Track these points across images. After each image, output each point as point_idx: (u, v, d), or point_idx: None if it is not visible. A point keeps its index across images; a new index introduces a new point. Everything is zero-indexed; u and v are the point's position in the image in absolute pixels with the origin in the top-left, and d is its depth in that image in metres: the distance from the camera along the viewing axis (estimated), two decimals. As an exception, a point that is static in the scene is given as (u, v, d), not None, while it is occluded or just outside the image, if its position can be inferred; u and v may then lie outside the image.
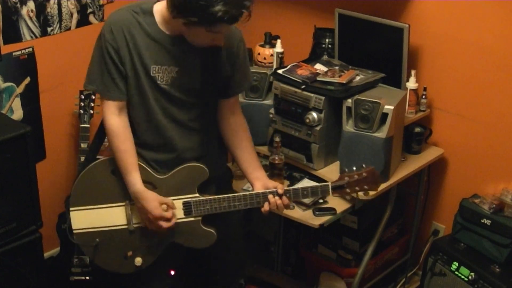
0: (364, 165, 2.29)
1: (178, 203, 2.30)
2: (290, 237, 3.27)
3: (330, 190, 2.29)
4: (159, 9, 2.15)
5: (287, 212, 2.70)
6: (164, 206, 2.26)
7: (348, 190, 2.29)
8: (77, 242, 2.42)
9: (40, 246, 2.73)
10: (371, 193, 2.39)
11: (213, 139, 2.39)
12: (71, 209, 2.38)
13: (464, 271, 2.77)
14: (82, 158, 2.98)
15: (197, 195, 2.30)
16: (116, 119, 2.24)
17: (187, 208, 2.30)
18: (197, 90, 2.25)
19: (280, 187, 2.29)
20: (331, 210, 2.70)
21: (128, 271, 2.40)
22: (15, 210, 2.58)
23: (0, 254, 2.56)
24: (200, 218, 2.31)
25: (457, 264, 2.81)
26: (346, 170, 2.29)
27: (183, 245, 2.35)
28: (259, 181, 2.34)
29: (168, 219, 2.26)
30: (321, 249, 3.19)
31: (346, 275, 3.05)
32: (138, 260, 2.36)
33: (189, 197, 2.30)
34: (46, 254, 3.05)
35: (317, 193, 2.34)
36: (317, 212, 2.68)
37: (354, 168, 2.29)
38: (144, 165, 2.30)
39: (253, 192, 2.29)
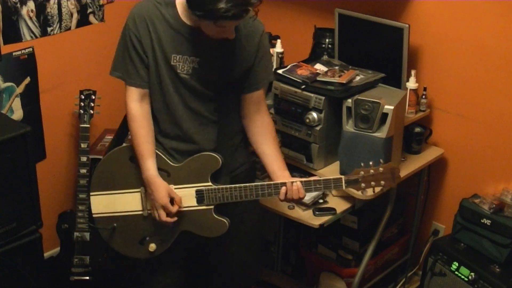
0: (382, 161, 2.28)
1: (191, 191, 2.31)
2: (290, 237, 3.27)
3: (344, 184, 2.26)
4: (181, 1, 2.19)
5: (287, 212, 2.71)
6: (178, 199, 2.28)
7: (363, 185, 2.25)
8: (96, 226, 2.48)
9: (40, 246, 2.73)
10: (377, 189, 2.36)
11: (233, 134, 2.39)
12: (91, 193, 2.45)
13: (464, 271, 2.77)
14: (82, 158, 2.98)
15: (210, 183, 2.31)
16: (137, 105, 2.29)
17: (200, 196, 2.31)
18: (216, 82, 2.27)
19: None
20: (331, 210, 2.70)
21: (142, 256, 2.42)
22: (15, 210, 2.58)
23: (0, 254, 2.56)
24: (212, 206, 2.32)
25: (457, 264, 2.81)
26: (362, 164, 2.26)
27: (195, 233, 2.35)
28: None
29: (170, 213, 2.27)
30: (321, 249, 3.19)
31: (346, 275, 3.05)
32: (152, 246, 2.38)
33: (202, 186, 2.31)
34: (46, 254, 3.05)
35: (329, 186, 2.29)
36: (317, 212, 2.68)
37: (371, 163, 2.26)
38: (160, 153, 2.33)
39: (265, 182, 2.29)
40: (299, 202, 2.41)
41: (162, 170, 2.32)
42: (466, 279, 2.76)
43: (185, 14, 2.19)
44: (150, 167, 2.28)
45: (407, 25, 2.82)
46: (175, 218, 2.30)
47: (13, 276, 2.63)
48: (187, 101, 2.27)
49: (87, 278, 3.02)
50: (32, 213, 2.65)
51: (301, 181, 2.27)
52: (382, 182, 2.26)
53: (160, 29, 2.21)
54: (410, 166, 2.94)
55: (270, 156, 2.37)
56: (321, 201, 2.75)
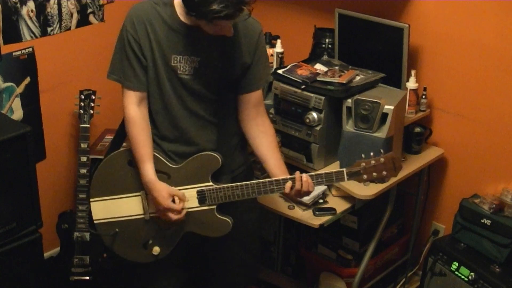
0: (382, 151, 2.27)
1: (192, 191, 2.31)
2: (290, 237, 3.27)
3: (346, 176, 2.24)
4: (179, 1, 2.18)
5: (287, 212, 2.71)
6: (176, 198, 2.27)
7: (365, 176, 2.23)
8: (98, 232, 2.47)
9: (40, 246, 2.73)
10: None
11: (231, 135, 2.38)
12: (91, 200, 2.44)
13: (464, 271, 2.77)
14: (82, 158, 2.98)
15: (211, 183, 2.30)
16: (135, 109, 2.27)
17: (201, 196, 2.30)
18: (217, 82, 2.26)
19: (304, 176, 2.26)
20: (331, 210, 2.70)
21: (146, 260, 2.41)
22: (15, 210, 2.58)
23: (0, 254, 2.56)
24: (214, 206, 2.31)
25: (457, 264, 2.81)
26: (363, 156, 2.24)
27: (199, 234, 2.35)
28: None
29: (178, 211, 2.27)
30: (321, 249, 3.19)
31: (346, 275, 3.05)
32: (156, 250, 2.38)
33: (203, 186, 2.30)
34: (46, 254, 3.05)
35: (331, 179, 2.27)
36: (317, 212, 2.68)
37: (372, 154, 2.24)
38: (158, 155, 2.32)
39: (266, 180, 2.27)
40: (303, 197, 2.36)
41: (162, 172, 2.31)
42: (466, 279, 2.76)
43: (184, 14, 2.18)
44: (148, 171, 2.27)
45: (407, 25, 2.82)
46: (183, 214, 2.28)
47: (13, 276, 2.63)
48: (186, 102, 2.26)
49: (87, 278, 3.02)
50: (32, 213, 2.65)
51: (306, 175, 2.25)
52: (384, 173, 2.23)
53: (159, 30, 2.20)
54: (410, 166, 2.94)
55: (271, 160, 2.36)
56: (321, 201, 2.75)
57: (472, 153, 3.03)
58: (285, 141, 2.91)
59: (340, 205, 2.75)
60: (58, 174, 3.32)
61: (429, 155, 3.04)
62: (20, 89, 3.04)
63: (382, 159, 2.22)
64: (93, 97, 3.05)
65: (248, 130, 2.39)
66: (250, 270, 2.66)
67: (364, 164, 2.23)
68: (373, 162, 2.22)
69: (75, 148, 3.30)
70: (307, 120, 2.79)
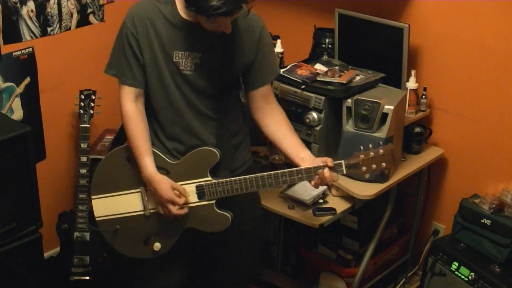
0: (381, 143, 2.26)
1: (191, 187, 2.32)
2: (290, 237, 3.27)
3: (344, 168, 2.24)
4: None
5: (287, 212, 2.71)
6: (178, 193, 2.28)
7: (364, 168, 2.23)
8: (99, 229, 2.48)
9: (40, 246, 2.73)
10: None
11: (232, 134, 2.38)
12: (92, 197, 2.45)
13: (464, 271, 2.77)
14: (82, 158, 2.98)
15: (210, 178, 2.30)
16: (132, 105, 2.30)
17: (200, 191, 2.31)
18: (219, 78, 2.27)
19: (330, 161, 2.25)
20: (331, 210, 2.70)
21: (147, 256, 2.42)
22: (15, 210, 2.58)
23: (0, 254, 2.56)
24: (214, 201, 2.32)
25: (457, 264, 2.81)
26: (362, 148, 2.24)
27: (199, 229, 2.35)
28: (305, 162, 2.29)
29: (178, 205, 2.27)
30: (321, 249, 3.19)
31: (346, 275, 3.05)
32: (157, 246, 2.38)
33: (202, 181, 2.31)
34: (46, 254, 3.05)
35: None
36: (317, 212, 2.68)
37: (370, 146, 2.23)
38: (158, 152, 2.33)
39: (265, 173, 2.27)
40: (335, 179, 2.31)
41: (161, 168, 2.32)
42: (466, 279, 2.76)
43: (184, 10, 2.19)
44: (148, 165, 2.28)
45: (407, 25, 2.82)
46: (186, 209, 2.29)
47: (13, 276, 2.63)
48: (190, 98, 2.27)
49: (87, 278, 3.02)
50: (32, 213, 2.65)
51: (304, 168, 2.25)
52: (384, 164, 2.22)
53: (161, 27, 2.21)
54: (410, 166, 2.94)
55: (286, 142, 2.35)
56: (321, 201, 2.75)
57: (472, 153, 3.03)
58: (285, 141, 2.91)
59: (340, 205, 2.75)
60: (58, 174, 3.32)
61: (429, 155, 3.04)
62: (20, 89, 3.03)
63: (381, 151, 2.22)
64: (93, 97, 3.05)
65: (260, 121, 2.39)
66: (252, 267, 2.66)
67: (362, 156, 2.23)
68: (372, 154, 2.22)
69: (75, 148, 3.30)
70: (307, 120, 2.80)
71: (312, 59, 3.12)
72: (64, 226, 3.07)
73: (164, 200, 2.27)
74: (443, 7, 2.93)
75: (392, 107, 2.65)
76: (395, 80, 2.91)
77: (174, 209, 2.28)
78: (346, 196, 2.77)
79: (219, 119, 2.33)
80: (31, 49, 3.01)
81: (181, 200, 2.27)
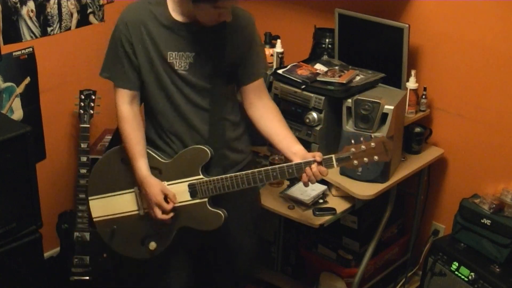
0: (372, 136, 2.25)
1: (183, 185, 2.32)
2: (290, 237, 3.27)
3: (335, 162, 2.21)
4: None
5: (287, 212, 2.71)
6: (167, 199, 2.29)
7: (355, 162, 2.20)
8: (97, 230, 2.51)
9: (40, 246, 2.73)
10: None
11: (229, 126, 2.39)
12: (89, 198, 2.48)
13: (464, 271, 2.77)
14: (82, 158, 2.98)
15: (201, 176, 2.31)
16: (127, 107, 2.32)
17: (193, 190, 2.32)
18: (214, 75, 2.29)
19: (318, 155, 2.22)
20: (331, 210, 2.70)
21: (144, 256, 2.43)
22: (15, 210, 2.58)
23: (0, 254, 2.56)
24: (206, 199, 2.32)
25: (457, 264, 2.81)
26: (353, 141, 2.22)
27: (193, 228, 2.36)
28: (297, 157, 2.27)
29: (165, 210, 2.28)
30: (321, 249, 3.19)
31: (346, 275, 3.04)
32: (152, 245, 2.40)
33: (194, 179, 2.31)
34: (46, 254, 3.05)
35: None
36: (317, 212, 2.68)
37: (362, 139, 2.20)
38: (150, 151, 2.35)
39: (255, 170, 2.27)
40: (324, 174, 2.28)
41: (154, 168, 2.34)
42: (466, 279, 2.76)
43: (176, 11, 2.22)
44: (141, 167, 2.30)
45: (407, 25, 2.82)
46: (171, 215, 2.31)
47: (13, 276, 2.63)
48: (189, 96, 2.29)
49: (87, 278, 3.02)
50: (32, 213, 2.65)
51: (295, 164, 2.22)
52: (376, 157, 2.20)
53: (154, 29, 2.23)
54: (410, 166, 2.94)
55: (278, 135, 2.35)
56: (321, 201, 2.75)
57: (472, 153, 3.03)
58: (285, 141, 2.90)
59: (340, 205, 2.75)
60: (58, 174, 3.32)
61: (429, 155, 3.04)
62: (20, 89, 3.03)
63: (372, 144, 2.19)
64: (93, 97, 3.05)
65: (252, 115, 2.40)
66: (252, 264, 2.68)
67: (353, 149, 2.20)
68: (363, 147, 2.19)
69: (75, 148, 3.30)
70: (307, 120, 2.80)
71: (312, 59, 3.12)
72: (64, 226, 3.07)
73: (152, 203, 2.30)
74: (443, 7, 2.93)
75: (392, 107, 2.65)
76: (395, 80, 2.91)
77: (159, 213, 2.29)
78: (346, 196, 2.77)
79: (221, 113, 2.34)
80: (31, 49, 3.01)
81: (168, 206, 2.28)
